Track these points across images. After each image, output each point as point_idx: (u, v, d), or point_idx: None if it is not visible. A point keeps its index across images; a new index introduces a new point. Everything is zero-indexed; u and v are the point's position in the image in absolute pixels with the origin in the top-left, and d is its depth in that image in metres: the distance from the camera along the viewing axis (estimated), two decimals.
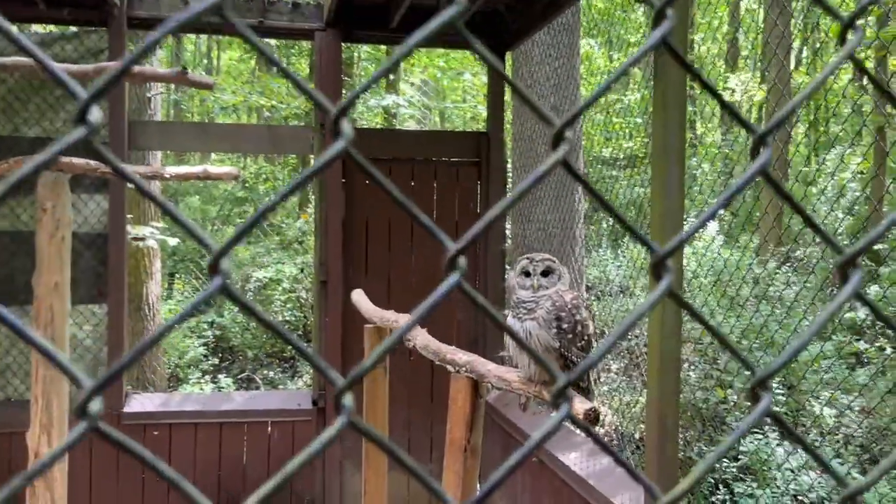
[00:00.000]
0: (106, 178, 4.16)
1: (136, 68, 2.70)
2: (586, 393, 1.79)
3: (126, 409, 4.67)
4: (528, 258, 1.84)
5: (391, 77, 12.43)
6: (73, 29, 4.72)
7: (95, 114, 0.47)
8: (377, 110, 11.64)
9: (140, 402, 4.80)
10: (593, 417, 1.67)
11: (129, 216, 5.23)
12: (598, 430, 5.66)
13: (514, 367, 1.98)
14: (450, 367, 2.17)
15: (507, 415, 4.46)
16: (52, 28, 5.13)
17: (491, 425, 4.49)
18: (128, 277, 5.11)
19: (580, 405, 1.68)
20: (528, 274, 1.81)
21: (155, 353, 6.53)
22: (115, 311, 4.65)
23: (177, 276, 10.47)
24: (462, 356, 2.14)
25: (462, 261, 0.52)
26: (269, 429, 4.89)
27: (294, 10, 4.88)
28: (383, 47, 11.57)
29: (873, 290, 7.45)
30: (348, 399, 0.44)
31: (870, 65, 11.43)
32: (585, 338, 1.77)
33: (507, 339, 1.81)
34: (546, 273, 1.81)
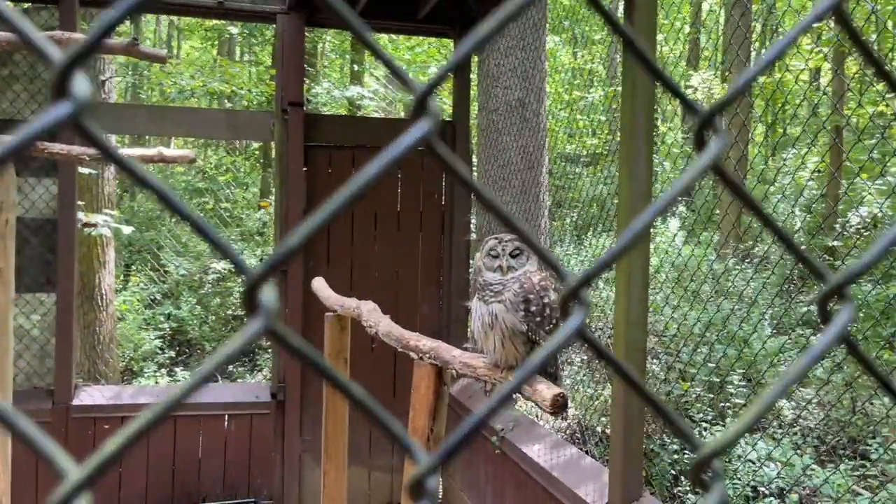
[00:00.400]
0: (55, 159, 3.98)
1: (84, 37, 2.55)
2: (554, 379, 1.73)
3: (75, 402, 4.49)
4: (496, 238, 1.77)
5: (356, 68, 12.28)
6: (25, 6, 4.51)
7: (82, 85, 0.36)
8: (341, 101, 11.48)
9: (90, 395, 4.62)
10: (562, 403, 1.61)
11: (80, 203, 5.04)
12: (561, 423, 5.64)
13: (480, 353, 1.91)
14: (413, 355, 2.10)
15: (471, 407, 4.40)
16: None
17: (454, 419, 4.42)
18: (78, 266, 4.93)
19: (548, 391, 1.62)
20: (495, 255, 1.74)
21: (108, 345, 6.32)
22: (64, 300, 4.47)
23: (133, 267, 10.19)
24: (426, 343, 2.06)
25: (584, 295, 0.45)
26: (227, 422, 4.76)
27: None
28: (348, 35, 11.40)
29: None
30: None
31: (827, 66, 11.63)
32: (554, 321, 1.71)
33: (473, 325, 1.74)
34: (515, 254, 1.74)
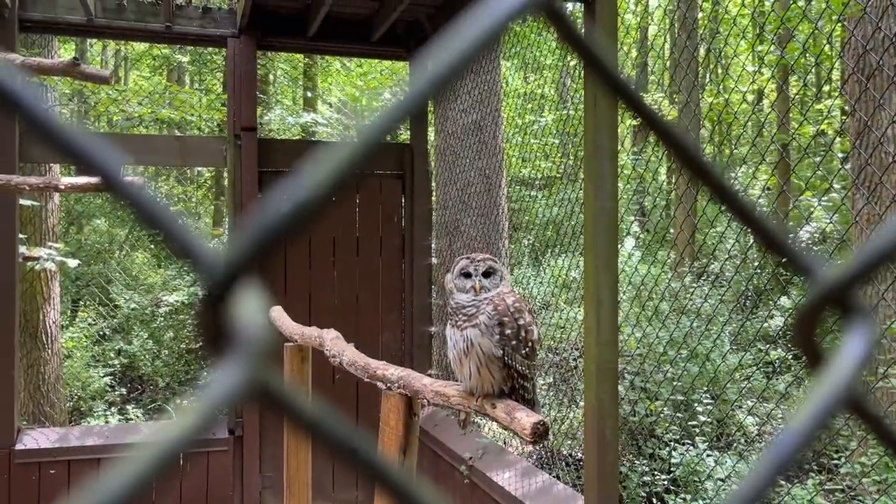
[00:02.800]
0: None
1: (19, 59, 2.40)
2: (531, 405, 1.64)
3: (18, 447, 4.23)
4: (467, 258, 1.68)
5: (309, 94, 12.18)
6: None
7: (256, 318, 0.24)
8: (295, 128, 11.34)
9: (34, 439, 4.37)
10: (542, 432, 1.52)
11: (21, 235, 4.81)
12: (526, 448, 5.55)
13: (450, 379, 1.82)
14: (380, 385, 1.99)
15: (437, 436, 4.28)
16: None
17: (421, 449, 4.30)
18: (20, 302, 4.69)
19: (527, 418, 1.53)
20: (467, 275, 1.65)
21: (53, 385, 6.01)
22: (4, 339, 4.23)
23: (81, 301, 9.81)
24: (394, 371, 1.96)
25: None
26: (181, 461, 4.54)
27: (204, 14, 4.62)
28: (301, 60, 11.31)
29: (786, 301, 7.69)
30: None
31: (772, 85, 11.97)
32: (530, 344, 1.63)
33: (449, 353, 1.65)
34: (488, 273, 1.65)
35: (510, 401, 1.62)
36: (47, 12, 4.33)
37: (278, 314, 3.12)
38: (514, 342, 1.60)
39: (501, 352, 1.59)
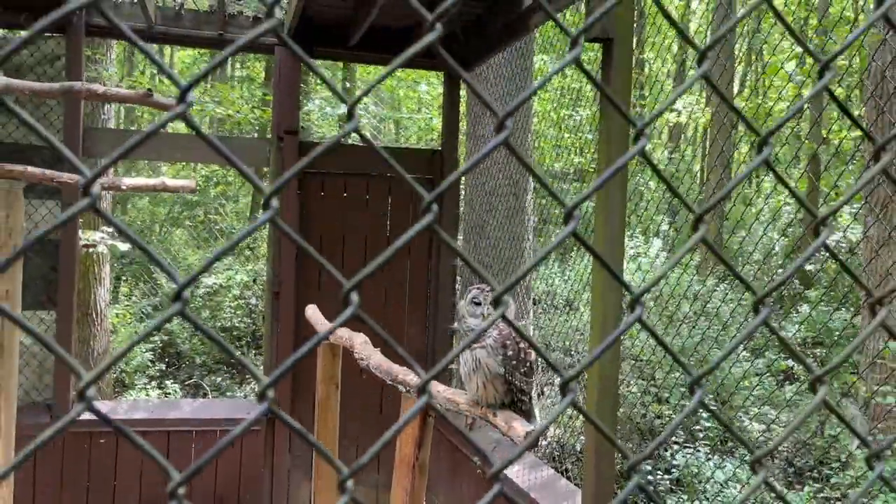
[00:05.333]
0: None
1: (102, 89, 2.75)
2: (527, 416, 1.93)
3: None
4: (478, 288, 1.98)
5: (347, 85, 12.49)
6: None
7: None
8: (333, 118, 11.69)
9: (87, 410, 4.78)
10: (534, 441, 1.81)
11: (80, 220, 5.21)
12: (542, 442, 5.85)
13: (462, 390, 2.12)
14: (401, 388, 2.30)
15: (455, 430, 4.58)
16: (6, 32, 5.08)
17: (439, 440, 4.61)
18: (78, 284, 5.09)
19: (522, 428, 1.82)
20: (478, 303, 1.95)
21: (102, 359, 6.46)
22: (64, 317, 4.64)
23: (122, 279, 10.32)
24: (413, 378, 2.26)
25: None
26: (218, 438, 4.92)
27: (255, 24, 4.95)
28: (340, 64, 11.62)
29: (805, 309, 7.84)
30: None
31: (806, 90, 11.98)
32: (528, 363, 1.92)
33: (458, 366, 1.95)
34: (497, 304, 1.95)
35: (509, 412, 1.91)
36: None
37: (313, 313, 3.44)
38: (514, 362, 1.89)
39: (503, 370, 1.88)
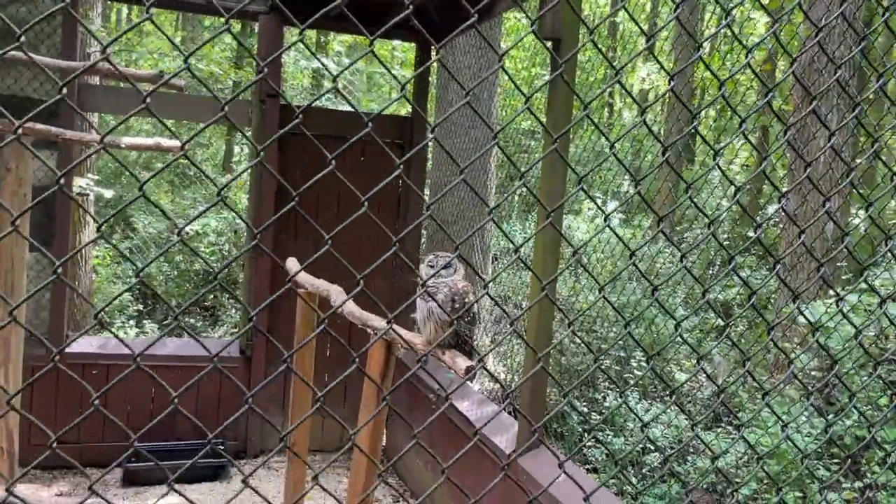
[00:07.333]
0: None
1: (112, 67, 3.12)
2: (469, 354, 2.47)
3: (66, 350, 5.10)
4: (434, 255, 2.51)
5: (322, 39, 12.71)
6: None
7: None
8: (307, 70, 11.95)
9: (79, 344, 5.24)
10: (471, 371, 2.35)
11: None
12: (495, 385, 6.48)
13: (419, 332, 2.65)
14: (370, 331, 2.82)
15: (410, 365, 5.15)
16: None
17: (400, 377, 5.17)
18: (71, 230, 5.48)
19: (463, 362, 2.36)
20: (433, 266, 2.47)
21: (89, 297, 6.87)
22: (60, 259, 5.05)
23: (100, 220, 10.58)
24: (379, 323, 2.78)
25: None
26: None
27: None
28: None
29: (745, 274, 8.52)
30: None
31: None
32: (471, 314, 2.46)
33: (417, 314, 2.48)
34: (446, 267, 2.47)
35: (455, 350, 2.45)
36: None
37: (293, 265, 3.93)
38: (459, 313, 2.42)
39: (451, 319, 2.41)
